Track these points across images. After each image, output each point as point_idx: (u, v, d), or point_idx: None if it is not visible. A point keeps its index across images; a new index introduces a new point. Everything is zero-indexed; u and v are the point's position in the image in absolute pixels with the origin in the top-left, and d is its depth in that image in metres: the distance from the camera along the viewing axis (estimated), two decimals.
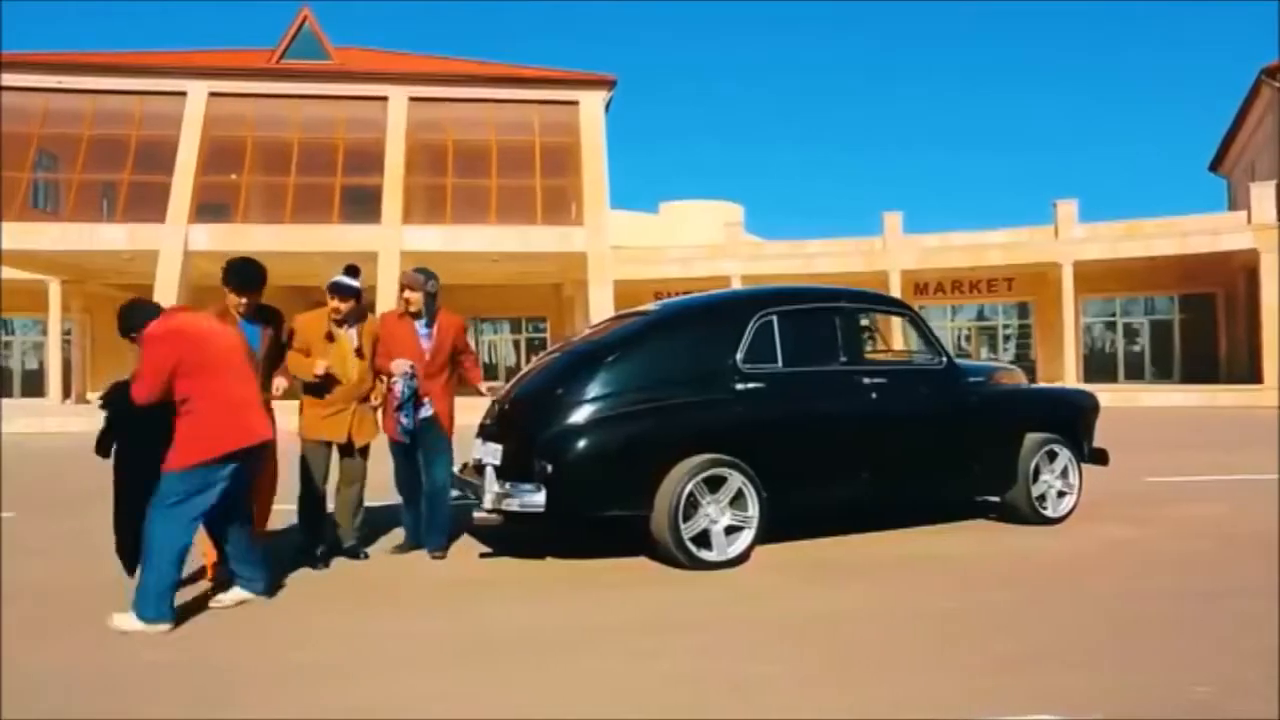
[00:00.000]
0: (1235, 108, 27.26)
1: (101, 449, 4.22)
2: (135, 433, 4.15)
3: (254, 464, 4.25)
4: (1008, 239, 25.21)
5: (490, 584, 4.85)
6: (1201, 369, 24.56)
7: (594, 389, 5.08)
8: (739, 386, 5.25)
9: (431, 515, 5.38)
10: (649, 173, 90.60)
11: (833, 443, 5.51)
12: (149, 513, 3.95)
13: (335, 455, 5.24)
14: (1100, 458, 6.41)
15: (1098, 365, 26.29)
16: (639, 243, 27.91)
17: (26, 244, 19.76)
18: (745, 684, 3.27)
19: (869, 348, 6.51)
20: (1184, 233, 22.55)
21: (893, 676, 3.34)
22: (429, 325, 5.36)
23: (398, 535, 5.67)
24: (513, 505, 4.91)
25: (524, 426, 5.20)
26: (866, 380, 5.64)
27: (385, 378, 5.27)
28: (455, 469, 5.57)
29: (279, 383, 4.83)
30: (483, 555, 5.46)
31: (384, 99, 21.51)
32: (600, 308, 19.85)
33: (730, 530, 5.05)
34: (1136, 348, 27.21)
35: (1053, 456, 6.09)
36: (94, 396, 24.66)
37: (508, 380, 6.04)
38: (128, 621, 3.88)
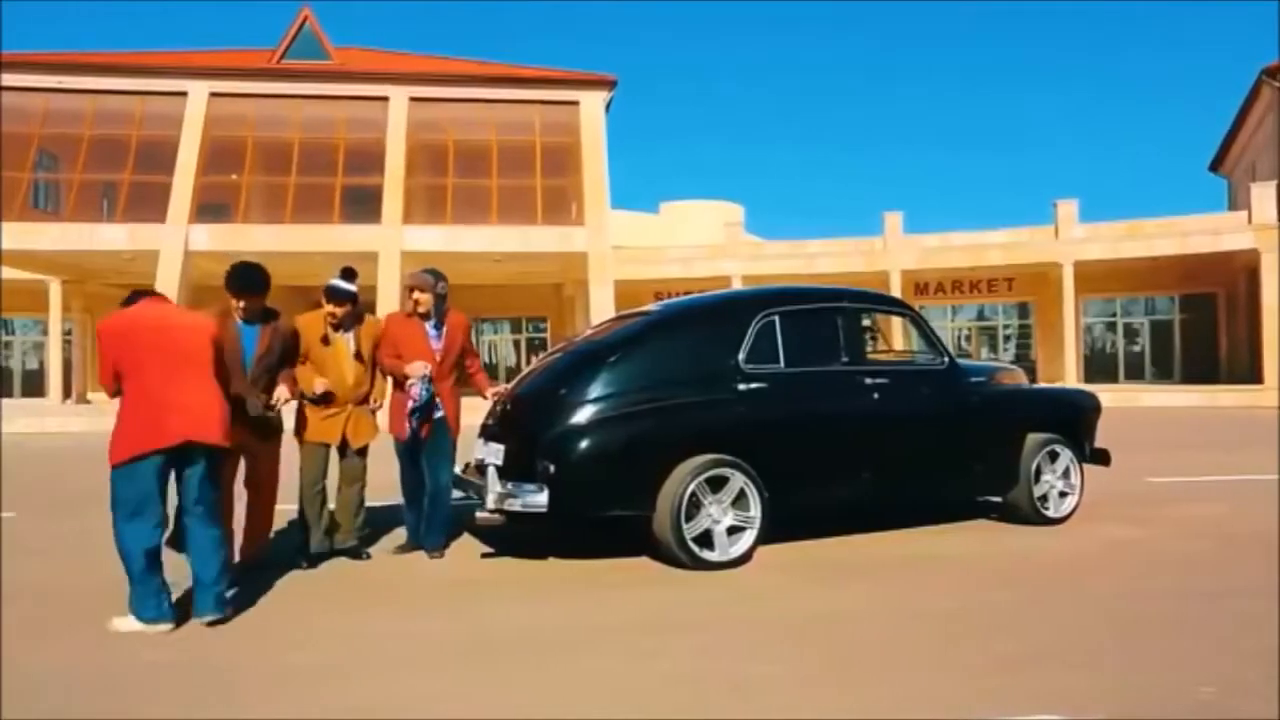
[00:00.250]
0: (1235, 108, 27.27)
1: None
2: None
3: (199, 468, 3.97)
4: (1008, 239, 25.21)
5: (492, 584, 4.85)
6: (1202, 369, 24.56)
7: (596, 389, 5.08)
8: (741, 387, 5.25)
9: (432, 515, 5.37)
10: (649, 173, 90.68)
11: (835, 443, 5.51)
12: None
13: (336, 456, 5.24)
14: (1102, 458, 6.41)
15: (1098, 365, 26.29)
16: (639, 243, 27.91)
17: (27, 244, 19.75)
18: (747, 684, 3.27)
19: (871, 348, 6.50)
20: (1184, 233, 22.54)
21: (895, 676, 3.34)
22: (438, 326, 5.35)
23: (399, 535, 5.67)
24: (515, 505, 4.91)
25: (526, 427, 5.20)
26: (868, 380, 5.63)
27: (397, 379, 5.24)
28: (457, 469, 5.56)
29: (281, 392, 4.80)
30: (484, 555, 5.46)
31: (384, 99, 21.49)
32: (601, 308, 19.84)
33: (732, 530, 5.05)
34: (1137, 348, 27.20)
35: (1054, 457, 6.09)
36: (94, 396, 24.69)
37: (508, 381, 6.03)
38: (127, 624, 3.88)
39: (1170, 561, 5.11)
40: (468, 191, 21.28)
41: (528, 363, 28.26)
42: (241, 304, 4.77)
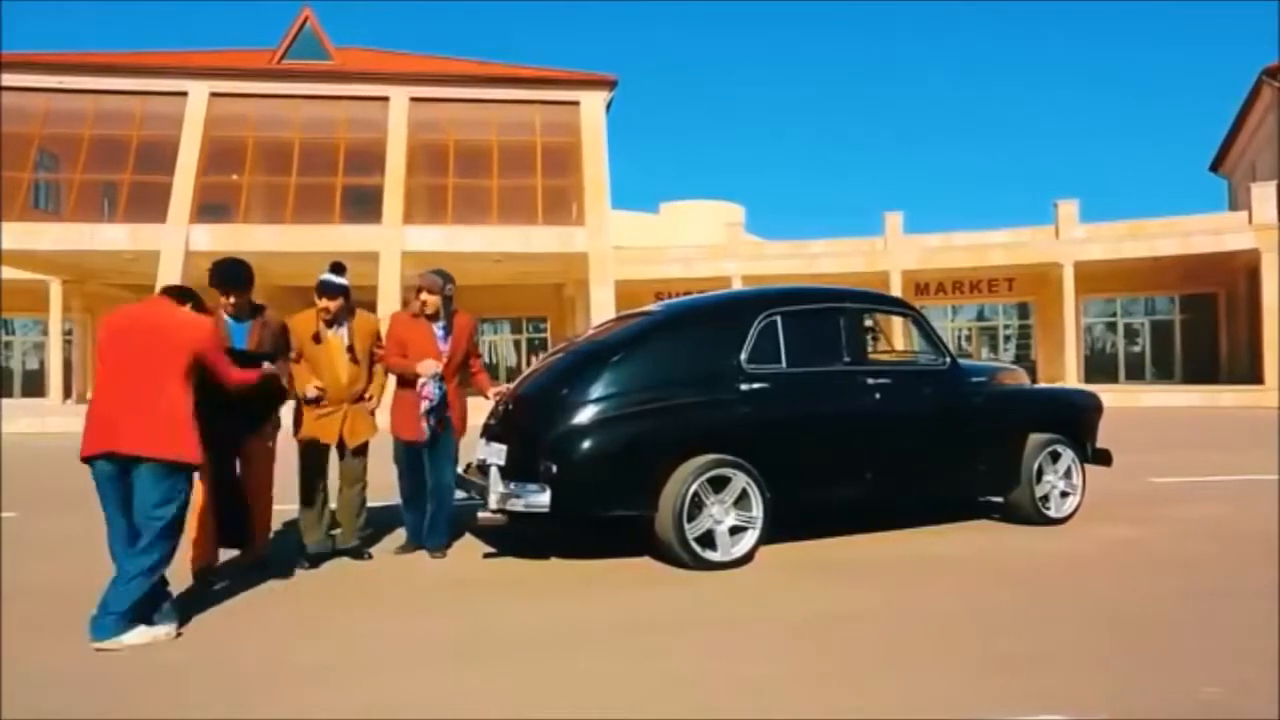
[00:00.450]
0: (1236, 108, 27.27)
1: None
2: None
3: (143, 483, 3.75)
4: (1009, 239, 25.21)
5: (494, 584, 4.85)
6: (1202, 369, 24.57)
7: (598, 389, 5.07)
8: (743, 387, 5.25)
9: (435, 515, 5.37)
10: (649, 173, 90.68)
11: (837, 443, 5.50)
12: None
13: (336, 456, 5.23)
14: (1103, 458, 6.41)
15: (1098, 365, 26.29)
16: (640, 243, 27.91)
17: (27, 244, 19.75)
18: (749, 684, 3.26)
19: (872, 348, 6.50)
20: (1185, 233, 22.54)
21: (897, 676, 3.34)
22: (446, 327, 5.34)
23: (400, 535, 5.66)
24: (517, 505, 4.91)
25: (528, 427, 5.20)
26: (870, 381, 5.63)
27: (406, 378, 5.21)
28: (459, 469, 5.56)
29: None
30: (487, 555, 5.45)
31: (385, 99, 21.50)
32: (601, 308, 19.84)
33: (734, 530, 5.05)
34: (1137, 348, 27.20)
35: (1056, 457, 6.09)
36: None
37: (509, 381, 6.03)
38: (137, 635, 3.76)
39: (1172, 562, 5.10)
40: (468, 191, 21.28)
41: (528, 363, 28.25)
42: (231, 300, 4.72)
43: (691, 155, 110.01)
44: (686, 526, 4.90)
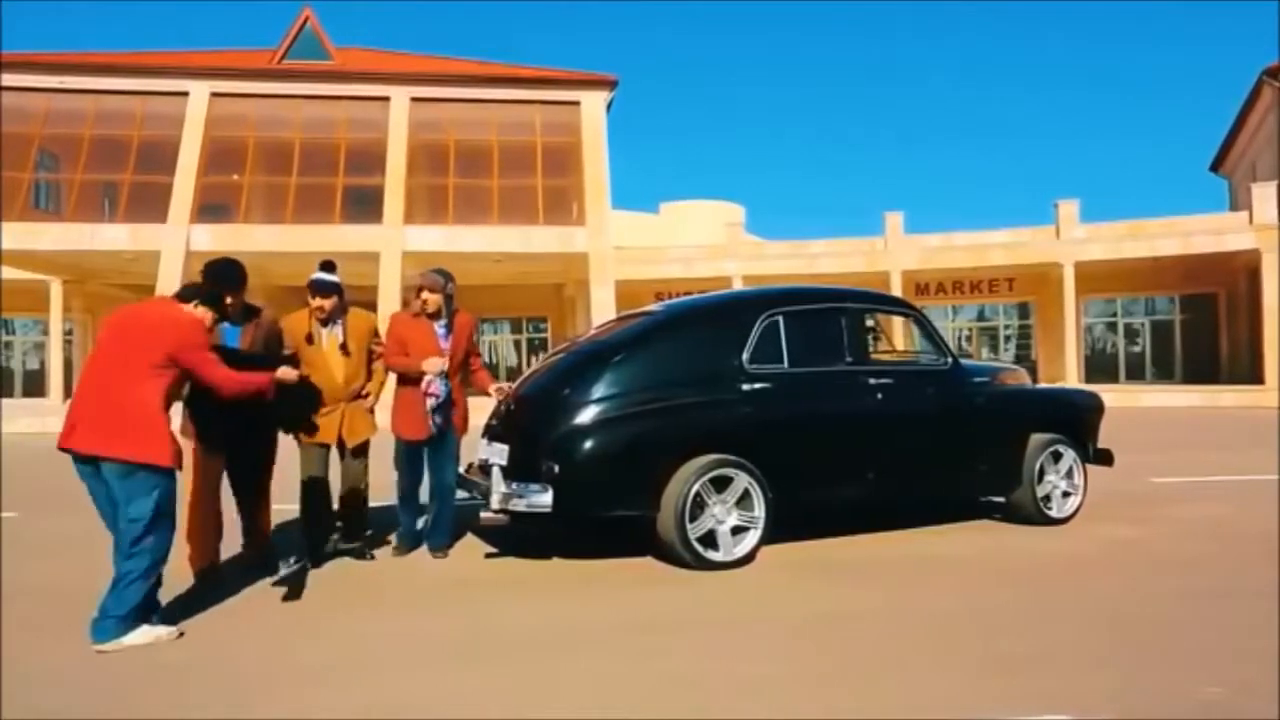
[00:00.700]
0: (1236, 108, 27.26)
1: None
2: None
3: (112, 484, 3.71)
4: (1009, 239, 25.20)
5: (496, 584, 4.85)
6: (1203, 369, 24.55)
7: (600, 389, 5.07)
8: (745, 387, 5.25)
9: (438, 514, 5.37)
10: (649, 173, 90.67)
11: (838, 443, 5.50)
12: None
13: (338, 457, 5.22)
14: (1105, 458, 6.41)
15: (1099, 365, 26.29)
16: (640, 243, 27.89)
17: (28, 244, 19.74)
18: (751, 684, 3.26)
19: (874, 348, 6.50)
20: (1185, 233, 22.52)
21: (898, 676, 3.34)
22: (447, 326, 5.34)
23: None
24: (519, 505, 4.91)
25: (530, 427, 5.19)
26: (872, 381, 5.63)
27: (411, 377, 5.20)
28: (461, 469, 5.55)
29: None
30: (488, 555, 5.45)
31: (385, 99, 21.49)
32: (602, 308, 19.84)
33: (736, 530, 5.05)
34: (1137, 348, 27.20)
35: (1057, 457, 6.09)
36: None
37: (509, 381, 6.01)
38: (138, 636, 3.77)
39: (1172, 562, 5.10)
40: (469, 191, 21.28)
41: (528, 363, 28.26)
42: (227, 299, 4.66)
43: (691, 155, 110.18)
44: (689, 526, 4.90)
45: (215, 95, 20.96)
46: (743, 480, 5.03)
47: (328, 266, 5.16)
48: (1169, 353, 26.42)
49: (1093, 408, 6.58)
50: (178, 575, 4.50)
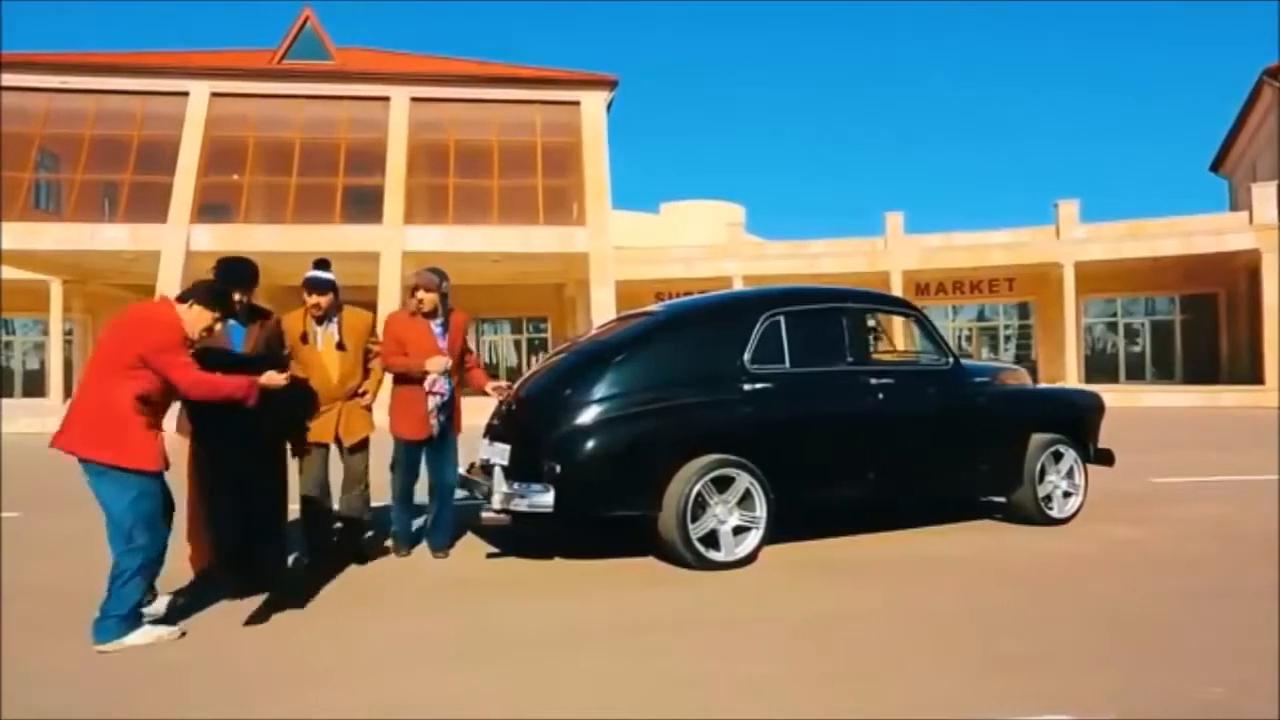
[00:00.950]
0: (1236, 108, 27.26)
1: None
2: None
3: (93, 482, 3.70)
4: (1010, 239, 25.19)
5: (497, 584, 4.85)
6: (1203, 369, 24.55)
7: (602, 389, 5.07)
8: (746, 387, 5.25)
9: (438, 514, 5.38)
10: (649, 173, 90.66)
11: (840, 443, 5.50)
12: None
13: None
14: (1106, 458, 6.41)
15: (1099, 365, 26.28)
16: (640, 243, 27.89)
17: (28, 244, 19.74)
18: (752, 684, 3.26)
19: (875, 348, 6.50)
20: (1185, 233, 22.52)
21: (900, 676, 3.34)
22: (443, 325, 5.34)
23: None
24: (521, 505, 4.91)
25: (532, 427, 5.19)
26: (873, 381, 5.63)
27: (414, 376, 5.19)
28: (462, 469, 5.55)
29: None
30: (490, 555, 5.45)
31: (385, 99, 21.49)
32: (602, 308, 19.83)
33: (738, 530, 5.05)
34: (1137, 348, 27.20)
35: (1058, 457, 6.09)
36: None
37: (510, 382, 6.01)
38: (139, 636, 3.76)
39: (1173, 562, 5.10)
40: (469, 192, 21.28)
41: (528, 363, 28.26)
42: (237, 297, 4.57)
43: (691, 155, 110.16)
44: (690, 526, 4.90)
45: (215, 95, 20.96)
46: (744, 480, 5.03)
47: (322, 264, 5.16)
48: (1169, 353, 26.42)
49: (1093, 408, 6.58)
50: (178, 575, 4.51)
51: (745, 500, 5.05)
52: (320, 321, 5.08)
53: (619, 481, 4.96)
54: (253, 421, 4.21)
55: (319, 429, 5.05)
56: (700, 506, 4.94)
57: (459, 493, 5.50)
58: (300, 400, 4.72)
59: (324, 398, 5.02)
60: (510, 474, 5.04)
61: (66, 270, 23.77)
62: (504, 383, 5.71)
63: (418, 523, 5.66)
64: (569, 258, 21.42)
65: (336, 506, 5.25)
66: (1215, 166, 32.95)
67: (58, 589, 4.69)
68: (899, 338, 8.35)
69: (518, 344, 31.15)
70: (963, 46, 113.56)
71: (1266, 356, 20.88)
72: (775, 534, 5.16)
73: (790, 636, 3.84)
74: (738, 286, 22.27)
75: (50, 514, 7.02)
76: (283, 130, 21.30)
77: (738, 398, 5.22)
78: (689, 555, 4.91)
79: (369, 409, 5.23)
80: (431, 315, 5.30)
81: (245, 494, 4.50)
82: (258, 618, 4.11)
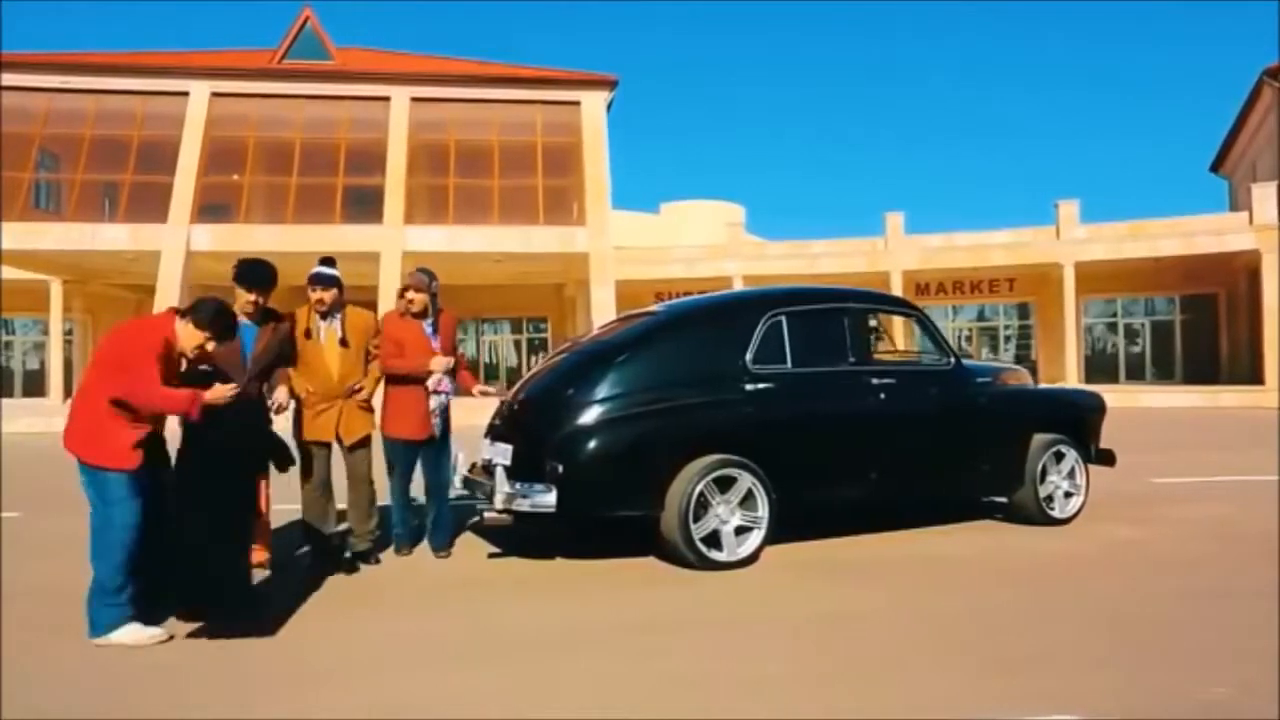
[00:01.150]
0: (1236, 108, 27.27)
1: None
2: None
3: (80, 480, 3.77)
4: (1010, 239, 25.20)
5: (499, 584, 4.85)
6: (1203, 370, 24.55)
7: (604, 390, 5.08)
8: (748, 387, 5.25)
9: (438, 514, 5.38)
10: (649, 173, 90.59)
11: (841, 443, 5.51)
12: None
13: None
14: (1107, 459, 6.41)
15: (1099, 366, 26.29)
16: (640, 243, 27.89)
17: (28, 244, 19.73)
18: (754, 684, 3.26)
19: (877, 348, 6.50)
20: (1185, 233, 22.53)
21: (901, 676, 3.34)
22: (433, 325, 5.35)
23: None
24: (523, 505, 4.91)
25: (534, 427, 5.20)
26: (875, 381, 5.63)
27: (416, 377, 5.18)
28: (465, 469, 5.55)
29: (280, 395, 4.75)
30: (492, 555, 5.45)
31: (386, 99, 21.49)
32: (602, 308, 19.83)
33: (740, 530, 5.05)
34: (1137, 348, 27.20)
35: (1060, 457, 6.09)
36: None
37: (509, 381, 6.01)
38: (124, 634, 3.75)
39: (1173, 562, 5.11)
40: (469, 192, 21.27)
41: (529, 363, 28.26)
42: (251, 298, 4.58)
43: (691, 155, 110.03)
44: (692, 526, 4.90)
45: (215, 95, 20.96)
46: (746, 480, 5.03)
47: (328, 261, 5.19)
48: (1169, 353, 26.42)
49: (1094, 408, 6.58)
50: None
51: (747, 500, 5.05)
52: (324, 318, 5.08)
53: (621, 481, 4.96)
54: (221, 442, 4.01)
55: (320, 428, 5.03)
56: (702, 506, 4.94)
57: (461, 492, 5.49)
58: (257, 414, 4.44)
59: (325, 395, 5.01)
60: (512, 474, 5.04)
61: (67, 270, 23.76)
62: (491, 386, 5.72)
63: (417, 523, 5.65)
64: (569, 258, 21.42)
65: (342, 506, 5.22)
66: (1215, 167, 32.95)
67: (58, 589, 4.68)
68: (900, 338, 8.35)
69: (518, 344, 31.15)
70: (963, 46, 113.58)
71: (1266, 357, 20.88)
72: (777, 534, 5.16)
73: (791, 636, 3.84)
74: (738, 287, 22.27)
75: (50, 514, 7.02)
76: (283, 130, 21.30)
77: (740, 398, 5.22)
78: (691, 555, 4.91)
79: (369, 408, 5.22)
80: (422, 315, 5.31)
81: (209, 522, 4.07)
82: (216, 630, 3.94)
